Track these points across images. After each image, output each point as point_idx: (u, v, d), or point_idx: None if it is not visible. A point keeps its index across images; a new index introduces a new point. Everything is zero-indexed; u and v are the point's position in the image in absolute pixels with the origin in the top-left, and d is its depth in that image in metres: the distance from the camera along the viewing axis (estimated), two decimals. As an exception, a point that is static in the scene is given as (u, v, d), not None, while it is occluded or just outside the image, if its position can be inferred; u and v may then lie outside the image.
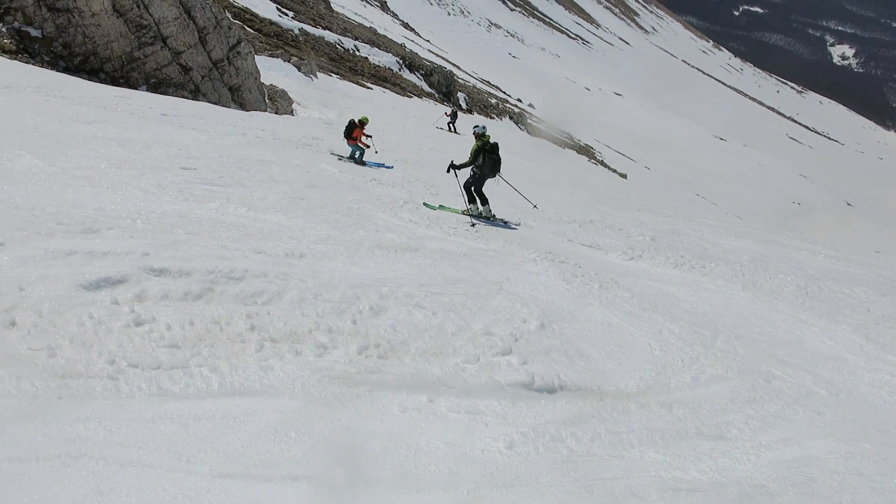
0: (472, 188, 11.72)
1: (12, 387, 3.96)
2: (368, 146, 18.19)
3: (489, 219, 11.61)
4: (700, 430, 5.35)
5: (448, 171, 11.84)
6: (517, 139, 45.28)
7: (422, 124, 33.46)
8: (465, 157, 12.24)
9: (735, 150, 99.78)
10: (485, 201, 11.76)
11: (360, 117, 18.42)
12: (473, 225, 11.04)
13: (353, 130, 17.76)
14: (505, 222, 11.81)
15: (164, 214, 7.56)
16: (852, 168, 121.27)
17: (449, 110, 37.30)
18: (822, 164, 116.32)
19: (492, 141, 11.76)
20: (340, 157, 17.53)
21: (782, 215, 62.75)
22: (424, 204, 12.13)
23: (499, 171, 11.80)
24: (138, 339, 4.74)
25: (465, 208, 11.74)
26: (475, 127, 12.08)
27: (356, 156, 17.86)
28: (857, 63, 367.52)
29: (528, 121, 62.87)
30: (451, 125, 34.61)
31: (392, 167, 17.83)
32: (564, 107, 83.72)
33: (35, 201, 6.95)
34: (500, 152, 11.81)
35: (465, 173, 13.03)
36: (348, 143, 17.99)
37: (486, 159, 11.58)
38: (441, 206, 12.08)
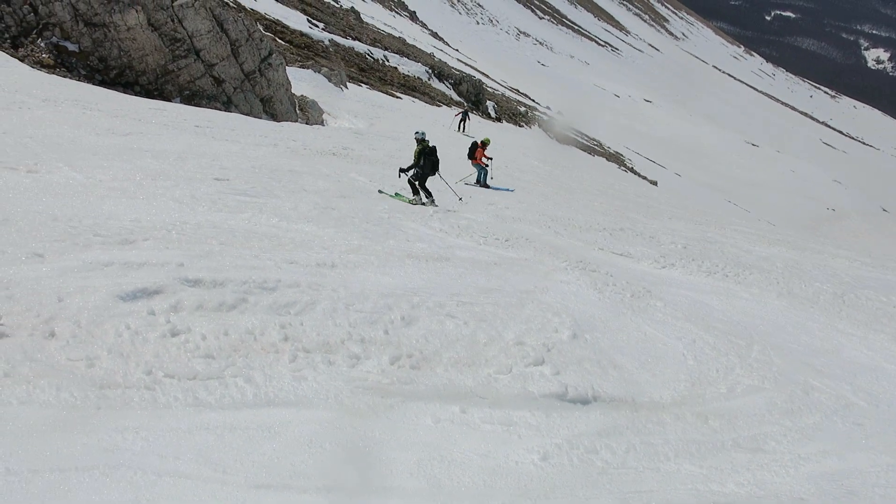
0: (418, 183, 13.50)
1: (52, 397, 4.03)
2: (487, 165, 18.39)
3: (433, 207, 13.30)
4: (737, 441, 5.27)
5: (399, 175, 13.51)
6: (546, 147, 45.17)
7: (450, 133, 33.52)
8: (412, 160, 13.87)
9: (767, 156, 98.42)
10: (429, 194, 13.53)
11: (482, 138, 18.78)
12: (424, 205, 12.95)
13: (475, 151, 18.10)
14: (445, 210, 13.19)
15: (199, 225, 7.65)
16: (888, 173, 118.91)
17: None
18: (856, 169, 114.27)
19: (431, 145, 13.65)
20: (467, 183, 18.01)
21: (816, 222, 61.75)
22: (379, 191, 13.63)
23: (437, 169, 13.69)
24: (174, 350, 4.80)
25: (412, 199, 13.45)
26: (416, 133, 13.75)
27: (481, 178, 18.14)
28: (892, 67, 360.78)
29: (557, 128, 62.66)
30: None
31: (513, 190, 18.15)
32: (582, 109, 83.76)
33: (73, 213, 7.07)
34: (437, 154, 13.72)
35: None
36: (472, 164, 18.28)
37: (426, 160, 13.45)
38: (397, 195, 13.62)
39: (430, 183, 13.75)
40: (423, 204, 13.26)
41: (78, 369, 4.34)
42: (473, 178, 18.39)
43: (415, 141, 13.69)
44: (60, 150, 10.26)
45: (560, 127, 59.30)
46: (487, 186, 18.18)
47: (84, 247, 6.11)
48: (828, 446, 5.45)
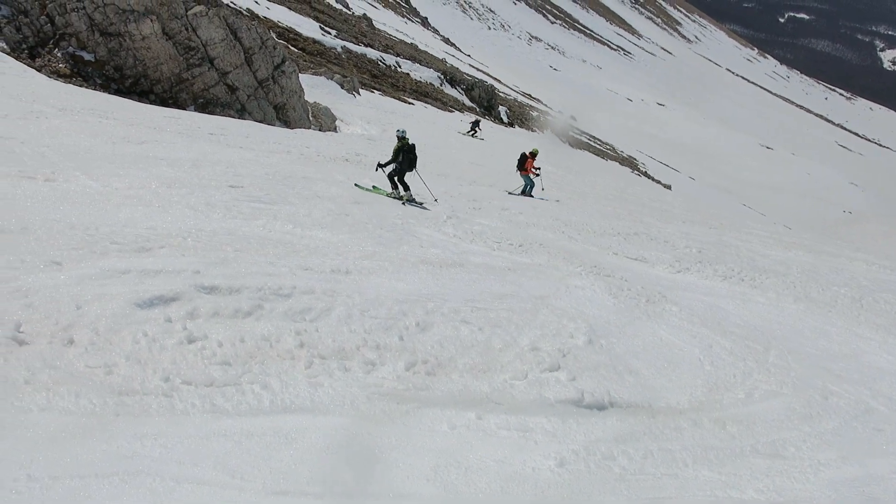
0: (396, 178, 14.04)
1: (71, 404, 4.06)
2: (538, 174, 18.50)
3: (410, 201, 13.76)
4: (755, 447, 5.23)
5: (377, 169, 14.23)
6: (559, 151, 45.11)
7: (463, 139, 33.57)
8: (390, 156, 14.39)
9: (782, 159, 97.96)
10: (406, 188, 13.98)
11: (530, 149, 18.93)
12: (404, 204, 13.31)
13: (525, 162, 18.19)
14: (420, 204, 13.71)
15: (214, 232, 7.69)
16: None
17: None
18: (873, 171, 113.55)
19: (410, 143, 14.12)
20: (512, 193, 18.24)
21: (833, 225, 61.32)
22: (356, 185, 13.85)
23: (415, 166, 14.15)
24: (191, 357, 4.82)
25: (391, 192, 14.02)
26: (397, 130, 14.37)
27: (527, 189, 18.25)
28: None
29: (566, 128, 62.66)
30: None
31: (558, 201, 18.31)
32: (593, 113, 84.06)
33: (90, 221, 7.13)
34: (416, 151, 14.19)
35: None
36: (521, 175, 18.38)
37: (404, 157, 13.97)
38: (374, 188, 14.15)
39: (409, 179, 14.12)
40: (401, 197, 13.78)
41: (96, 376, 4.37)
42: (520, 189, 18.46)
43: (396, 138, 14.02)
44: (77, 159, 10.35)
45: (570, 130, 59.27)
46: (532, 196, 18.24)
47: (101, 254, 6.16)
48: (848, 452, 5.39)
